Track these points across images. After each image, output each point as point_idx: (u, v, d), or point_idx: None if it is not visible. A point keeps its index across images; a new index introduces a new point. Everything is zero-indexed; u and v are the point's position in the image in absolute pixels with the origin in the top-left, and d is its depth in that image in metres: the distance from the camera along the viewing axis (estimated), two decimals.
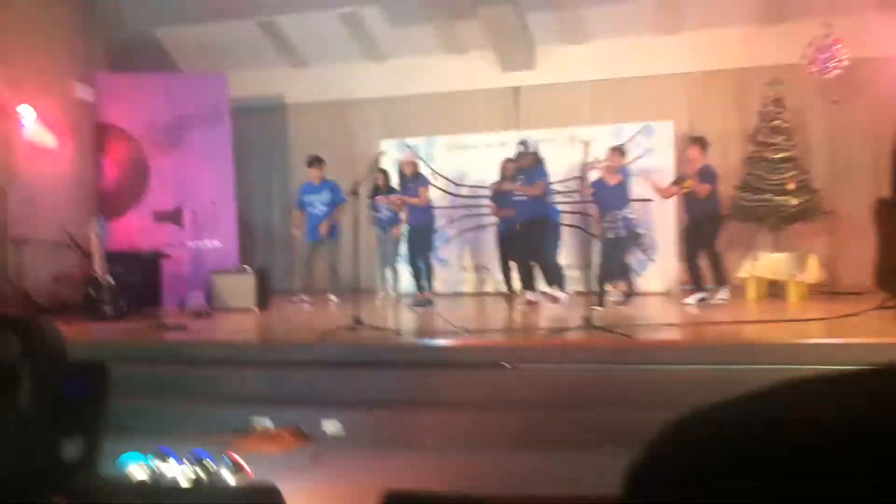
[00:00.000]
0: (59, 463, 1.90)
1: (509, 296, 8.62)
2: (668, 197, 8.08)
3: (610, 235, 7.28)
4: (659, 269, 9.20)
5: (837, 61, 8.22)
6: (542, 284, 7.95)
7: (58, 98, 8.53)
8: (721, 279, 7.58)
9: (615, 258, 7.42)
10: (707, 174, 7.43)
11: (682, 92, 9.82)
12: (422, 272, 8.35)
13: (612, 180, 7.36)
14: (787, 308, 7.32)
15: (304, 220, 8.72)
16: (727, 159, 9.64)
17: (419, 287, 8.37)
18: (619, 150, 7.63)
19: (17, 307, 6.87)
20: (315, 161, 8.78)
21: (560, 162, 9.33)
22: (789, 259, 7.98)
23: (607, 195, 7.31)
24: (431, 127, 10.53)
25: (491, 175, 8.98)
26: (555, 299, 7.72)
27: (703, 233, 7.50)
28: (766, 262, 8.18)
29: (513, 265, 8.40)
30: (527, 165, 7.87)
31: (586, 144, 6.66)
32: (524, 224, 7.71)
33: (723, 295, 7.56)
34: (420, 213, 8.31)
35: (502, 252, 8.54)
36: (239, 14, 9.90)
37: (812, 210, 8.64)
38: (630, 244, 7.66)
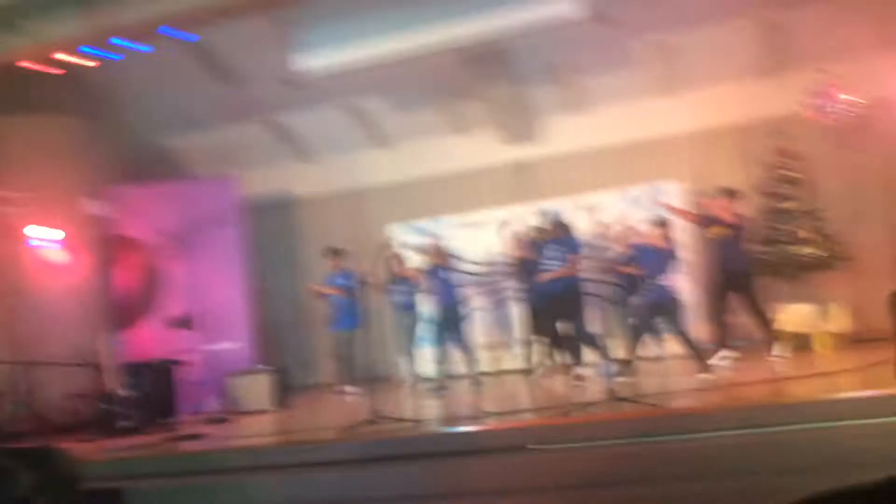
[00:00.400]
0: None
1: (530, 370, 8.44)
2: (686, 219, 7.91)
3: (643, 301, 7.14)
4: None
5: (835, 105, 8.19)
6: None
7: (67, 214, 8.63)
8: (771, 333, 7.35)
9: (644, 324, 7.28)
10: (739, 221, 7.38)
11: (686, 151, 9.82)
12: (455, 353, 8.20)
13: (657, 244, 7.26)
14: (816, 361, 7.10)
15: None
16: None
17: (443, 371, 8.18)
18: (659, 223, 7.51)
19: (31, 428, 6.78)
20: (330, 252, 8.82)
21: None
22: (813, 310, 7.79)
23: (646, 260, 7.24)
24: (440, 207, 10.58)
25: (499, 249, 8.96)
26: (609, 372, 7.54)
27: (738, 284, 7.30)
28: (790, 315, 7.98)
29: (542, 339, 8.20)
30: (558, 235, 7.70)
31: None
32: (561, 295, 7.43)
33: (778, 351, 7.32)
34: (449, 294, 8.19)
35: (536, 324, 8.32)
36: (243, 115, 10.12)
37: (829, 258, 8.50)
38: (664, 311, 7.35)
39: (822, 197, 8.98)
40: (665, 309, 7.22)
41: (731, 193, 7.59)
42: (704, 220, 7.65)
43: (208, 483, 5.30)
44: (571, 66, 9.49)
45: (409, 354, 9.04)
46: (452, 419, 6.21)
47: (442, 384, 7.94)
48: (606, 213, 9.68)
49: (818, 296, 8.30)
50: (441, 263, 8.30)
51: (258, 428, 6.86)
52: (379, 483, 5.00)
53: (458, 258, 9.69)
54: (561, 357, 8.09)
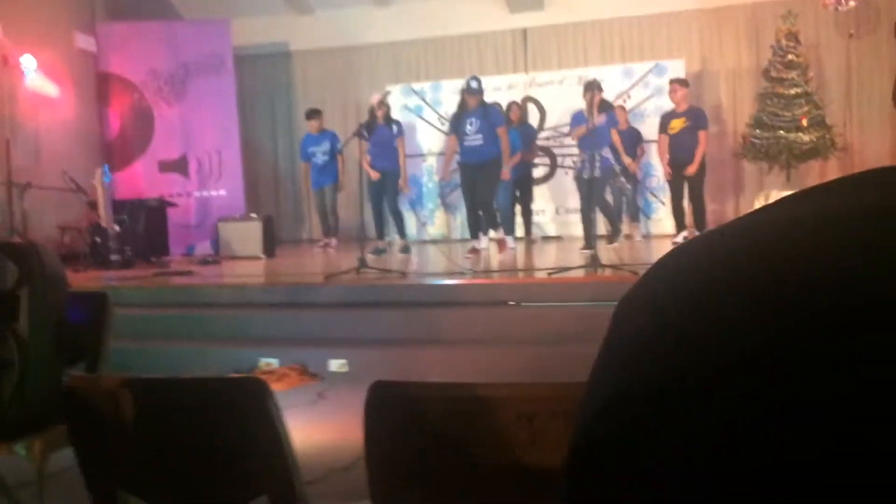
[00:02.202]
0: (62, 389, 1.90)
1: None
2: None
3: (584, 175, 6.99)
4: (667, 211, 9.07)
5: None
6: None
7: (59, 48, 8.46)
8: (703, 225, 7.45)
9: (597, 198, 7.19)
10: (695, 114, 7.31)
11: (693, 29, 9.59)
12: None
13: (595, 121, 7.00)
14: None
15: (309, 170, 8.65)
16: (739, 97, 9.47)
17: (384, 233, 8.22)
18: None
19: None
20: (313, 113, 8.67)
21: (569, 104, 9.19)
22: None
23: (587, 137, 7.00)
24: (438, 71, 10.38)
25: None
26: (502, 245, 7.58)
27: (686, 175, 7.35)
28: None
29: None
30: (476, 106, 7.05)
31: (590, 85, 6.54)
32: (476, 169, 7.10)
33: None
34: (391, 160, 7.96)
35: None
36: None
37: (825, 147, 8.48)
38: (605, 183, 7.35)
39: (826, 86, 8.88)
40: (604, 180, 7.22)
41: (684, 83, 7.51)
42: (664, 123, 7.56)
43: (196, 314, 5.49)
44: None
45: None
46: (433, 273, 6.38)
47: (380, 248, 7.90)
48: (608, 89, 9.52)
49: (809, 185, 8.33)
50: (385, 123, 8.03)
51: (247, 270, 7.02)
52: (361, 326, 5.20)
53: (445, 121, 9.56)
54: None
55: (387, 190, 7.90)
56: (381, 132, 7.78)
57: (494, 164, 7.06)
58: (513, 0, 10.08)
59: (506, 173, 7.19)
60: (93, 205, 7.39)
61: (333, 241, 8.62)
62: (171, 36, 9.34)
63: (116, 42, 9.12)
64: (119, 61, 9.10)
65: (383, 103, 7.96)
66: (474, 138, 7.00)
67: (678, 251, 0.33)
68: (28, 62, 7.90)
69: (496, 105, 7.84)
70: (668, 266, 0.32)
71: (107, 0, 9.71)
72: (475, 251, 7.14)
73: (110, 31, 9.18)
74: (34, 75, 7.95)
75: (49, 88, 8.11)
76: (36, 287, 2.51)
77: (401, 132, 7.96)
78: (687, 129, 7.24)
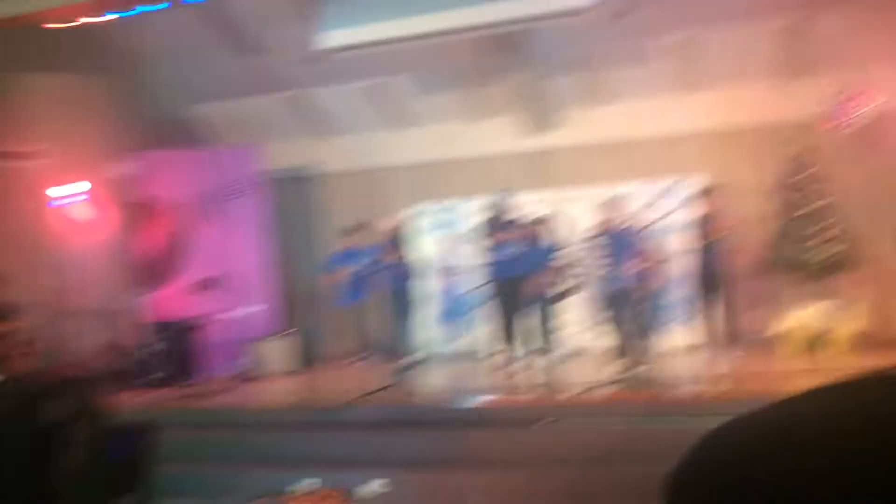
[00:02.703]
0: None
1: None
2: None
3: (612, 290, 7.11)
4: (691, 324, 9.08)
5: (851, 119, 8.28)
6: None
7: (103, 172, 8.80)
8: (732, 337, 7.51)
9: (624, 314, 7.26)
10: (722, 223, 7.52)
11: (711, 147, 9.88)
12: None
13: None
14: (835, 359, 7.18)
15: (335, 282, 8.81)
16: (761, 211, 9.62)
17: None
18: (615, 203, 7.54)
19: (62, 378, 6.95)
20: (347, 230, 8.92)
21: (588, 221, 9.40)
22: (831, 308, 7.84)
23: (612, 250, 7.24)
24: (462, 190, 10.70)
25: None
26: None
27: (716, 287, 7.47)
28: (809, 313, 8.03)
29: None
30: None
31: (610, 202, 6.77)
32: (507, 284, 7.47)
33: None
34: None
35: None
36: (269, 89, 10.26)
37: (845, 261, 8.55)
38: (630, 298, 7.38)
39: (846, 201, 9.03)
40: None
41: (709, 192, 7.74)
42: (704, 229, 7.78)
43: (236, 436, 5.51)
44: (594, 57, 9.56)
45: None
46: (464, 393, 6.38)
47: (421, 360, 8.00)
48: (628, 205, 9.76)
49: (839, 295, 8.34)
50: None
51: (284, 388, 7.07)
52: (398, 446, 5.19)
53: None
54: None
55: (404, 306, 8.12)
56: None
57: (524, 279, 7.23)
58: (530, 122, 10.51)
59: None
60: (131, 326, 7.55)
61: (367, 357, 8.67)
62: (208, 161, 9.78)
63: (156, 167, 9.52)
64: (159, 185, 9.49)
65: (395, 227, 8.31)
66: (505, 254, 7.20)
67: (721, 437, 0.52)
68: (74, 186, 8.25)
69: (525, 221, 8.13)
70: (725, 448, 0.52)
71: (148, 127, 10.20)
72: (510, 367, 7.16)
73: (151, 157, 9.60)
74: (79, 198, 8.28)
75: (92, 211, 8.42)
76: (89, 420, 2.57)
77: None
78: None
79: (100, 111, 8.98)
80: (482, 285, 7.90)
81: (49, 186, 8.17)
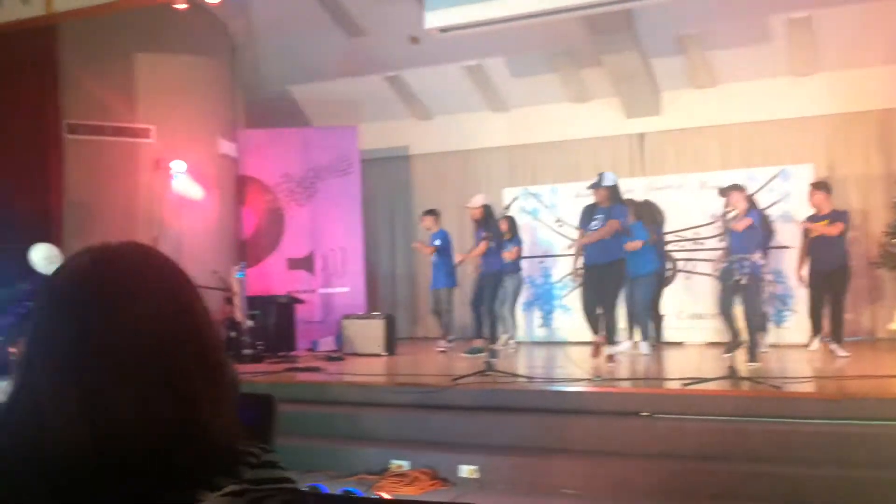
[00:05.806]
0: None
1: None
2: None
3: (733, 280, 6.74)
4: (798, 320, 8.67)
5: None
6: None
7: (204, 153, 9.08)
8: (839, 335, 7.07)
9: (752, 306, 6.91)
10: (838, 216, 7.07)
11: (819, 135, 9.39)
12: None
13: (739, 226, 6.81)
14: None
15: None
16: (873, 203, 9.13)
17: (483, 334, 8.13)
18: (737, 190, 7.05)
19: None
20: (429, 212, 8.89)
21: (690, 208, 9.11)
22: None
23: (736, 240, 6.83)
24: (555, 175, 10.53)
25: None
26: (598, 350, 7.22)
27: (832, 282, 7.06)
28: None
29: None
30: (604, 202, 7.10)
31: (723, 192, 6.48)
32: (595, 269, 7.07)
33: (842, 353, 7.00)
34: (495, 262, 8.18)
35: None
36: (367, 70, 10.34)
37: None
38: (753, 291, 6.83)
39: None
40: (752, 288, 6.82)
41: (826, 187, 7.29)
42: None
43: (326, 412, 5.59)
44: (701, 38, 9.19)
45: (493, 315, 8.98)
46: (560, 378, 6.28)
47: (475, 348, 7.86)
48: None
49: None
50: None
51: (371, 368, 7.13)
52: (490, 431, 5.15)
53: (563, 224, 9.61)
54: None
55: (485, 292, 8.05)
56: (478, 235, 8.16)
57: (618, 264, 7.02)
58: (629, 105, 10.22)
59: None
60: (229, 300, 7.77)
61: (450, 341, 8.65)
62: (303, 142, 9.96)
63: (254, 147, 9.77)
64: (256, 165, 9.74)
65: (481, 207, 8.19)
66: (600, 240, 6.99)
67: None
68: (177, 165, 8.53)
69: (629, 203, 7.89)
70: None
71: (247, 109, 10.49)
72: (612, 357, 6.98)
73: (249, 138, 9.86)
74: (182, 178, 8.56)
75: (195, 190, 8.70)
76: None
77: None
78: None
79: (208, 90, 9.24)
80: (577, 270, 7.72)
81: (161, 163, 8.45)
